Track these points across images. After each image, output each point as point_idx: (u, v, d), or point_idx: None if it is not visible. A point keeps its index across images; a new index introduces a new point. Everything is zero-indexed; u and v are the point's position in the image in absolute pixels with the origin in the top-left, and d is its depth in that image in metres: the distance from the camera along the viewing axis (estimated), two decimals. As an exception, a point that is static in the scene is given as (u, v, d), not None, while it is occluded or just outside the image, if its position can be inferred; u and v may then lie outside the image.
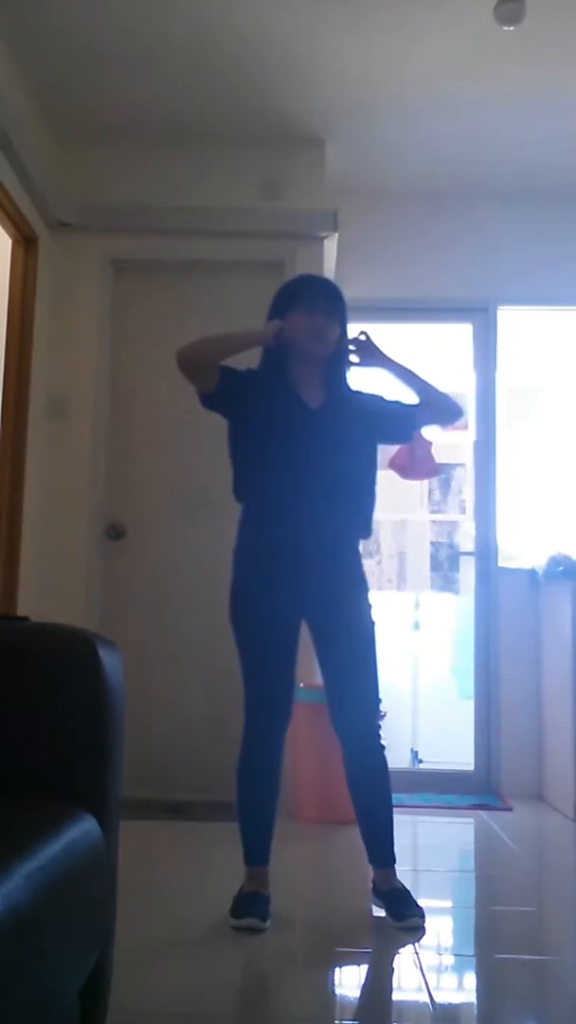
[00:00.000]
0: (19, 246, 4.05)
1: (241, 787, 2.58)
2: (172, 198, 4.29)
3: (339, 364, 2.68)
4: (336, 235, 4.29)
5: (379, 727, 2.60)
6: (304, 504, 2.54)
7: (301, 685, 3.23)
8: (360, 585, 2.63)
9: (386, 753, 2.61)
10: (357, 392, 2.75)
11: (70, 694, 1.48)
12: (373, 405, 2.71)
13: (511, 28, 3.38)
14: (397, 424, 2.73)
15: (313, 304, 2.59)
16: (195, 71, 3.84)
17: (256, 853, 2.56)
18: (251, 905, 2.44)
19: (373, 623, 2.60)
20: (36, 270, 4.07)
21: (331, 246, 4.33)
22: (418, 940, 2.36)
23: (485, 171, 4.56)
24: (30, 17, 3.51)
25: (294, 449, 2.56)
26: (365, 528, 2.68)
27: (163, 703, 4.03)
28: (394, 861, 2.57)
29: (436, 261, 4.76)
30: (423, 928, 2.43)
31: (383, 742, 2.62)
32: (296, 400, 2.60)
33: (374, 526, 2.69)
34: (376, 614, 2.62)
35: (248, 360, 2.67)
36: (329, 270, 4.38)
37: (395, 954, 2.31)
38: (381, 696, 2.62)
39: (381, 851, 2.58)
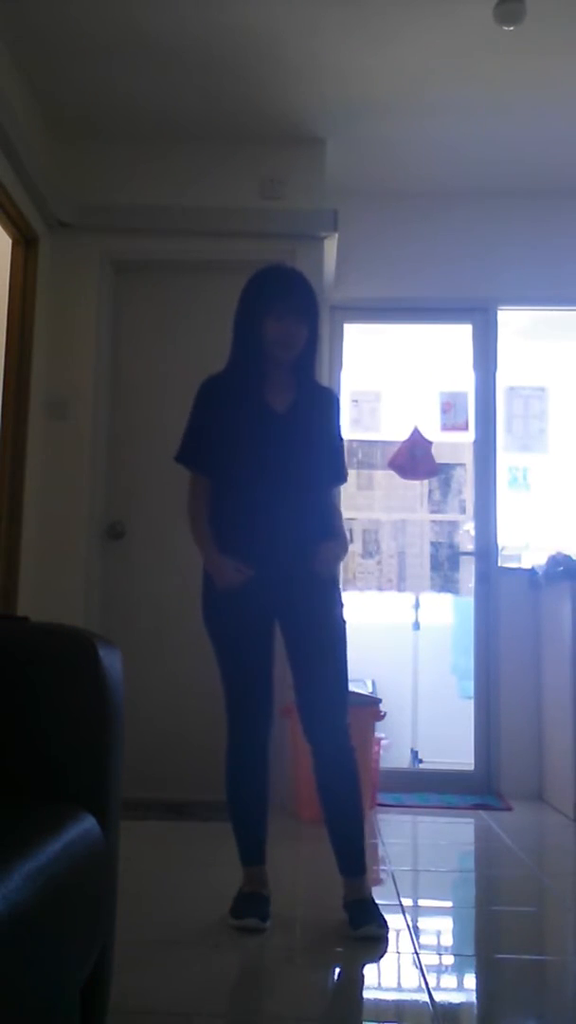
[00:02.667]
0: (19, 246, 4.06)
1: (230, 788, 2.56)
2: (172, 198, 4.30)
3: (308, 362, 2.64)
4: (336, 235, 4.28)
5: (348, 729, 2.52)
6: (272, 508, 2.52)
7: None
8: (330, 585, 2.60)
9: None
10: (326, 392, 2.76)
11: (70, 694, 1.48)
12: (330, 424, 2.69)
13: (511, 28, 3.38)
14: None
15: (284, 310, 2.55)
16: (195, 71, 3.84)
17: (251, 853, 2.55)
18: (251, 905, 2.44)
19: (344, 623, 2.57)
20: (36, 270, 4.08)
21: (331, 246, 4.33)
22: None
23: (484, 171, 4.56)
24: (30, 17, 3.52)
25: (259, 455, 2.54)
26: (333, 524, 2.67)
27: (163, 703, 4.03)
28: (364, 871, 2.49)
29: (436, 261, 4.76)
30: (385, 939, 2.33)
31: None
32: (262, 405, 2.57)
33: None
34: (347, 613, 2.58)
35: (214, 361, 2.69)
36: (329, 270, 4.39)
37: (395, 954, 2.31)
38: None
39: (350, 859, 2.48)
